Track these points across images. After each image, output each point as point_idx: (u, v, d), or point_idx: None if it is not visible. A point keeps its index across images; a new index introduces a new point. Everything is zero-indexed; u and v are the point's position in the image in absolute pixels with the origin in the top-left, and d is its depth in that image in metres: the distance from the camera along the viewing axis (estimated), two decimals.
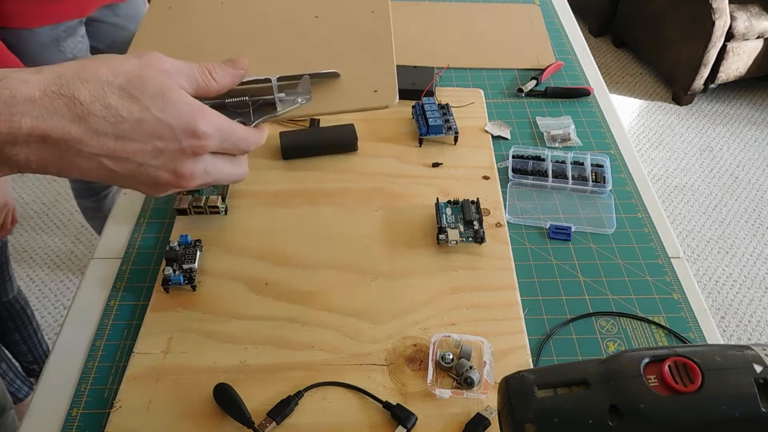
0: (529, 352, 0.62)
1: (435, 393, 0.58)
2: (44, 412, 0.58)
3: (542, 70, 1.02)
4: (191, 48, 0.62)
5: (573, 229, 0.76)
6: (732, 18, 2.40)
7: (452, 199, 0.75)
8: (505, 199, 0.79)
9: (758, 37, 2.48)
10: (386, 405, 0.57)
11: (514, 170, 0.83)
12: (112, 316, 0.66)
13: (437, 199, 0.75)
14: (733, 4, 2.43)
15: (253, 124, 0.50)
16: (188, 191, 0.75)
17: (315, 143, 0.83)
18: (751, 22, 2.42)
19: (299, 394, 0.57)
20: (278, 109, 0.51)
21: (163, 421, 0.56)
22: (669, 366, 0.38)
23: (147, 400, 0.58)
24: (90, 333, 0.65)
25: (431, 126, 0.84)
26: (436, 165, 0.83)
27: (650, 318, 0.67)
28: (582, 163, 0.84)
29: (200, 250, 0.70)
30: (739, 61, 2.53)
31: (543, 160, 0.84)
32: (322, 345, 0.62)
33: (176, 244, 0.70)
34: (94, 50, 1.36)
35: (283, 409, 0.56)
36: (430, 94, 0.92)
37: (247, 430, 0.55)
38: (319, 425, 0.56)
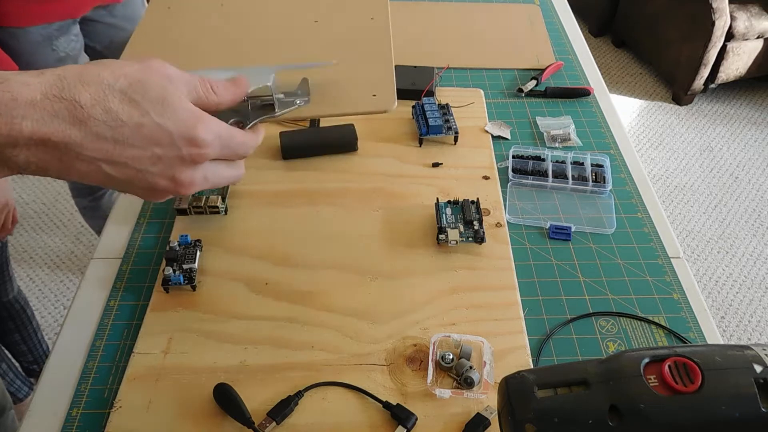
0: (529, 352, 0.62)
1: (435, 393, 0.58)
2: (44, 412, 0.58)
3: (542, 70, 1.02)
4: (189, 49, 0.62)
5: (573, 229, 0.76)
6: (732, 18, 2.40)
7: (452, 199, 0.75)
8: (505, 199, 0.79)
9: (758, 37, 2.48)
10: (386, 405, 0.57)
11: (514, 170, 0.83)
12: (112, 316, 0.66)
13: (437, 199, 0.75)
14: (733, 4, 2.43)
15: (251, 125, 0.50)
16: None
17: (315, 143, 0.83)
18: (751, 22, 2.41)
19: (299, 394, 0.57)
20: (276, 110, 0.51)
21: (163, 421, 0.56)
22: (669, 366, 0.38)
23: (147, 400, 0.58)
24: (90, 333, 0.65)
25: (431, 126, 0.84)
26: (436, 165, 0.83)
27: (650, 318, 0.67)
28: (582, 163, 0.84)
29: (200, 250, 0.70)
30: (739, 61, 2.53)
31: (543, 160, 0.84)
32: (322, 345, 0.62)
33: (176, 244, 0.70)
34: (91, 50, 1.35)
35: (283, 409, 0.56)
36: (430, 94, 0.92)
37: (247, 430, 0.55)
38: (319, 425, 0.56)
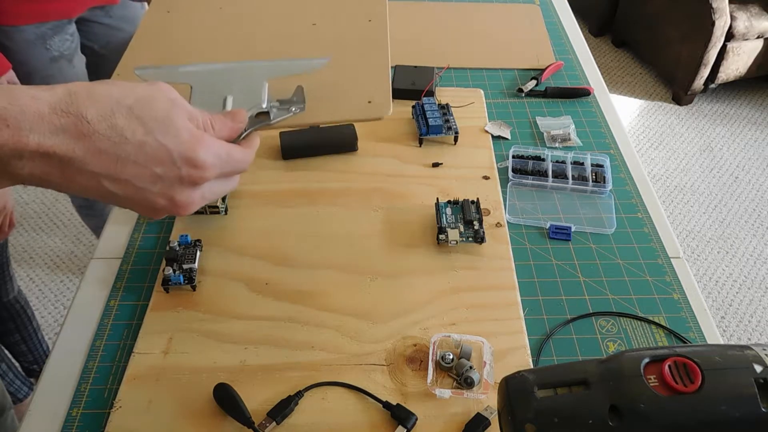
0: (529, 352, 0.62)
1: (435, 393, 0.58)
2: (44, 412, 0.58)
3: (542, 70, 1.02)
4: (188, 52, 0.62)
5: (573, 229, 0.76)
6: (732, 18, 2.40)
7: (452, 199, 0.75)
8: (505, 199, 0.79)
9: (758, 37, 2.48)
10: (386, 405, 0.57)
11: (514, 170, 0.83)
12: (112, 316, 0.66)
13: (437, 199, 0.75)
14: (733, 4, 2.43)
15: (246, 133, 0.49)
16: None
17: (315, 143, 0.83)
18: (751, 22, 2.41)
19: (299, 394, 0.57)
20: (272, 118, 0.51)
21: (163, 421, 0.56)
22: (669, 366, 0.38)
23: (147, 400, 0.58)
24: (90, 333, 0.65)
25: (431, 126, 0.84)
26: (436, 165, 0.83)
27: (650, 318, 0.67)
28: (582, 163, 0.84)
29: (200, 250, 0.70)
30: (739, 61, 2.53)
31: (543, 160, 0.84)
32: (322, 345, 0.62)
33: (176, 244, 0.70)
34: (89, 50, 1.35)
35: (283, 409, 0.56)
36: (430, 94, 0.92)
37: (247, 430, 0.55)
38: (319, 425, 0.56)
